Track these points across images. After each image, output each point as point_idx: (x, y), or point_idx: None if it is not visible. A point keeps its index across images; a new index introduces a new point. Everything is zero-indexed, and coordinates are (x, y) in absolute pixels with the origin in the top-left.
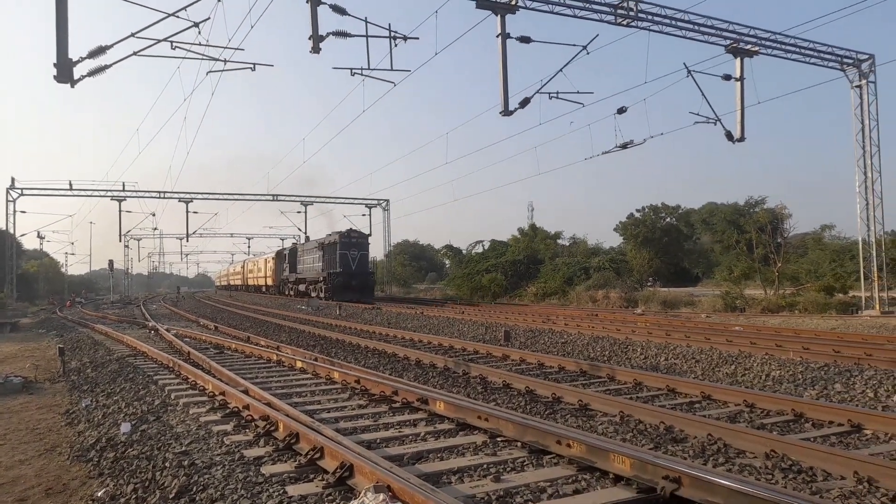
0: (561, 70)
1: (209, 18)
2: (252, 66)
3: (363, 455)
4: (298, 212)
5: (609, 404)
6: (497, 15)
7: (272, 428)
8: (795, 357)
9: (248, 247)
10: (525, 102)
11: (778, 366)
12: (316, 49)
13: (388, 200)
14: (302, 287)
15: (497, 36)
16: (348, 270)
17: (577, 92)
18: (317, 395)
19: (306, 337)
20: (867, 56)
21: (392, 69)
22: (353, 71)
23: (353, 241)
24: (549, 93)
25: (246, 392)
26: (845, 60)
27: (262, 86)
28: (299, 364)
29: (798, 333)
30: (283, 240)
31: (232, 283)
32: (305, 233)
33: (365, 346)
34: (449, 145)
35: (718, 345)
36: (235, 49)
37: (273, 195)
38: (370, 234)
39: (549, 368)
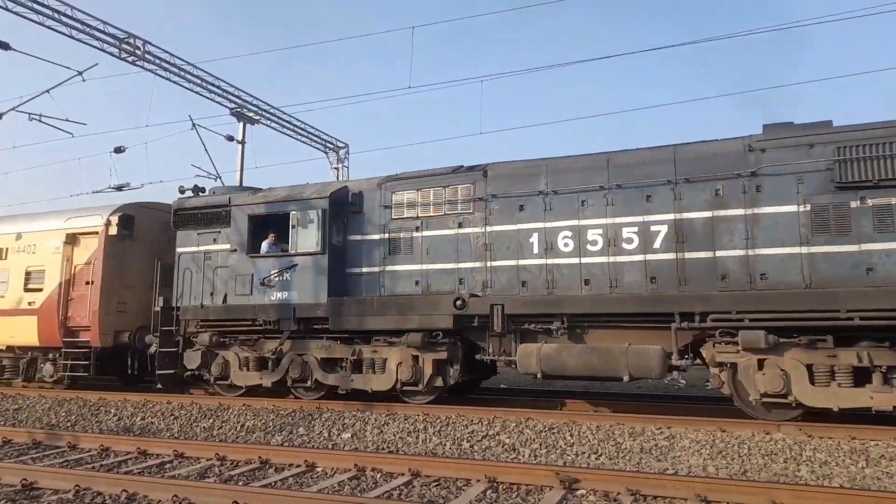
0: (48, 91)
1: None
2: None
3: None
4: None
5: (63, 478)
6: None
7: None
8: (269, 406)
9: None
10: None
11: (253, 415)
12: None
13: None
14: None
15: None
16: None
17: (68, 119)
18: None
19: None
20: (344, 144)
21: None
22: None
23: None
24: (31, 113)
25: None
26: (328, 145)
27: None
28: None
29: None
30: None
31: None
32: None
33: None
34: None
35: (200, 399)
36: None
37: None
38: None
39: None
